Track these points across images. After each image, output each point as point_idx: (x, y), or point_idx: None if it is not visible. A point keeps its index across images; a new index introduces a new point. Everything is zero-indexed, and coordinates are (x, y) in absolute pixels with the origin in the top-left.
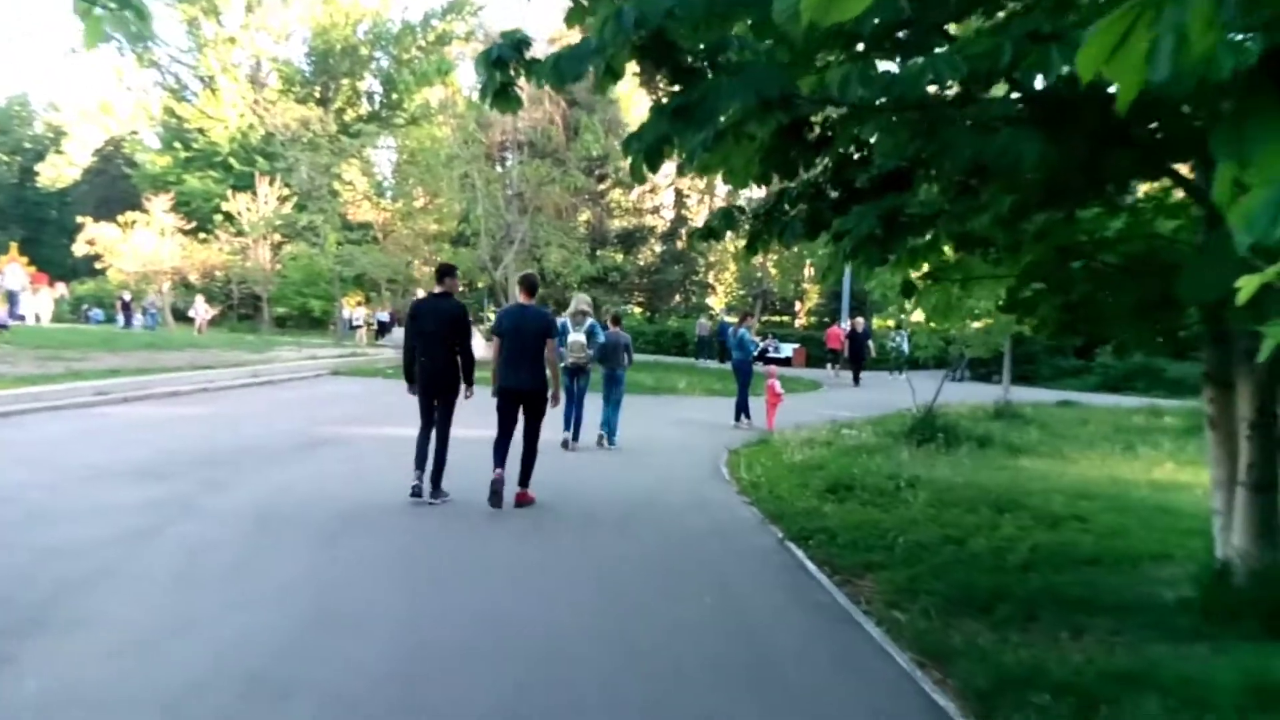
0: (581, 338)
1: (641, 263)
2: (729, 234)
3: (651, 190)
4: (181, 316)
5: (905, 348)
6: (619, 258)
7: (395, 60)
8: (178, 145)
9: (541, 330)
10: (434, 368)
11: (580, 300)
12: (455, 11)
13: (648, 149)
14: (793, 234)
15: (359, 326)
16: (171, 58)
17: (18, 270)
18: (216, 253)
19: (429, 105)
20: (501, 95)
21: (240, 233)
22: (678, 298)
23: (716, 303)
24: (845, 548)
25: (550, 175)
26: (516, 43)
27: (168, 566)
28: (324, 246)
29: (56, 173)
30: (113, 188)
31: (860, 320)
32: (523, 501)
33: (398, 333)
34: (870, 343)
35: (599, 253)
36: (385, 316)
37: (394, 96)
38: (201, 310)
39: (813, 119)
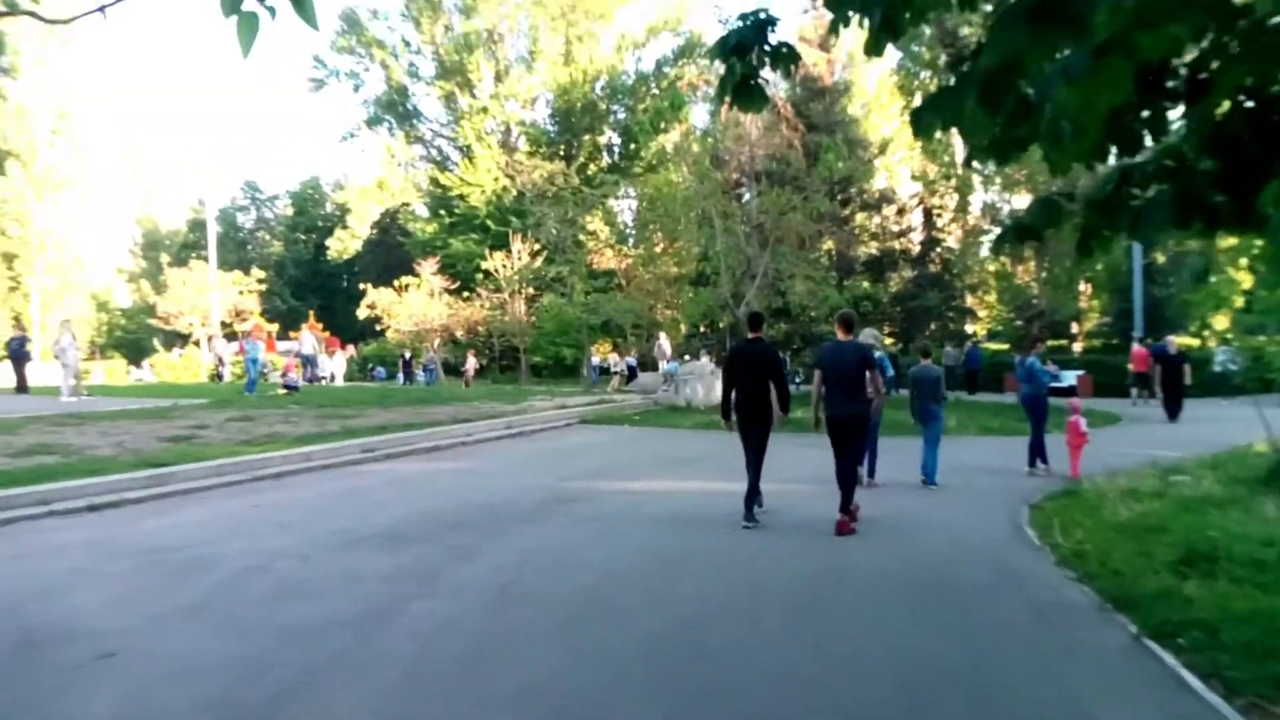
0: None
1: (893, 290)
2: (984, 252)
3: (899, 211)
4: (452, 370)
5: (1235, 367)
6: (867, 285)
7: (631, 111)
8: (442, 212)
9: (860, 362)
10: (751, 404)
11: (867, 334)
12: (686, 55)
13: (989, 80)
14: (1152, 222)
15: (616, 372)
16: (433, 132)
17: (309, 336)
18: (478, 309)
19: (664, 150)
20: (743, 91)
21: (498, 289)
22: (933, 325)
23: (978, 329)
24: (1236, 651)
25: (791, 203)
26: (759, 24)
27: (401, 655)
28: (571, 296)
29: (343, 245)
30: (390, 255)
31: (1172, 339)
32: (842, 531)
33: (643, 377)
34: (1186, 365)
35: (846, 282)
36: (632, 361)
37: (631, 146)
38: (469, 364)
39: (1175, 61)
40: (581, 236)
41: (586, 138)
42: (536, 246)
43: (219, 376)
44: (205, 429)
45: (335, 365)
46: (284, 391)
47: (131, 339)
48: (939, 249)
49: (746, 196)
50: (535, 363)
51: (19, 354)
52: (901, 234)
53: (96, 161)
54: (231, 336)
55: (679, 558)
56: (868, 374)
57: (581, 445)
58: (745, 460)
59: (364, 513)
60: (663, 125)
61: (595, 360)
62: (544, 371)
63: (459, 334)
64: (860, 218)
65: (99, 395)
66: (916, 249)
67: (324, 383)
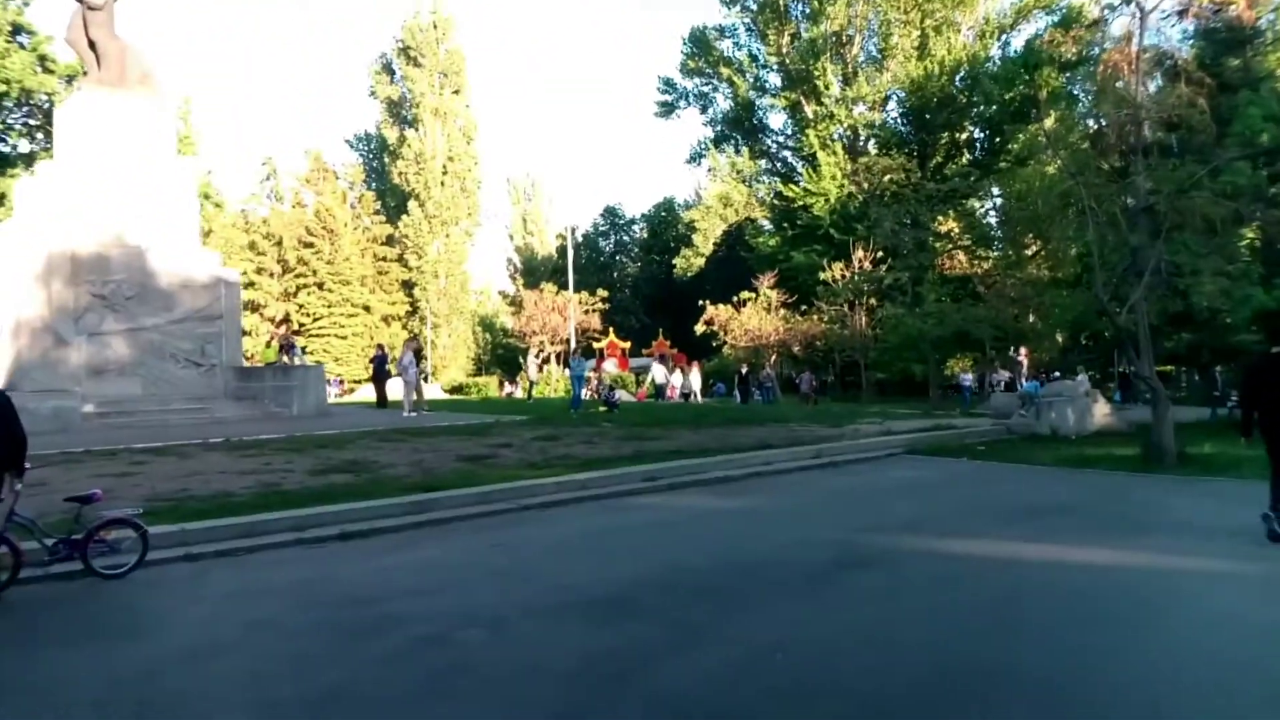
0: None
1: None
2: None
3: None
4: (792, 388)
5: None
6: None
7: (994, 99)
8: (785, 225)
9: None
10: (1277, 426)
11: None
12: (1066, 28)
13: None
14: None
15: (985, 389)
16: (778, 145)
17: (659, 366)
18: (815, 323)
19: (1035, 139)
20: None
21: (835, 299)
22: None
23: None
24: None
25: (1194, 176)
26: None
27: None
28: (916, 305)
29: (687, 263)
30: (734, 270)
31: None
32: None
33: (995, 398)
34: None
35: (1276, 279)
36: (968, 379)
37: (997, 140)
38: (807, 381)
39: None
40: (931, 240)
41: (944, 135)
42: (879, 254)
43: (528, 394)
44: (507, 448)
45: (693, 381)
46: (604, 409)
47: (510, 357)
48: None
49: (1131, 175)
50: (881, 379)
51: (380, 371)
52: None
53: (482, 197)
54: (588, 354)
55: (993, 681)
56: None
57: (899, 483)
58: (1272, 478)
59: (603, 562)
60: (1029, 110)
61: (968, 379)
62: (890, 389)
63: (795, 349)
64: None
65: (442, 410)
66: None
67: (688, 400)
